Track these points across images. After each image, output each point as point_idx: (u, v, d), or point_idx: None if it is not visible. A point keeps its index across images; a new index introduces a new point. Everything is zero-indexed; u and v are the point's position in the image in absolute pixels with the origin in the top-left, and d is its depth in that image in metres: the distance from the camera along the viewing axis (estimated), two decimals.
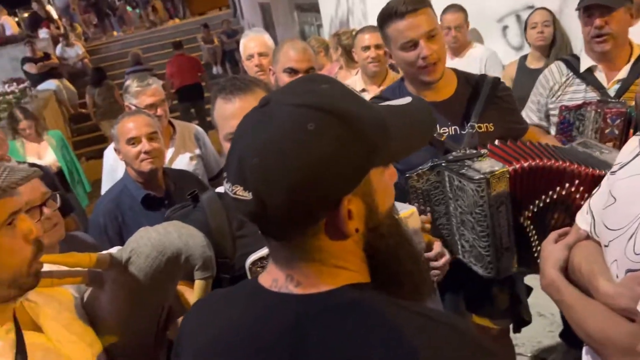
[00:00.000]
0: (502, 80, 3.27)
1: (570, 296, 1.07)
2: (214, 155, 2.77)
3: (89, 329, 1.16)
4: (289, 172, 0.65)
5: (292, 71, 2.16)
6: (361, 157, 0.67)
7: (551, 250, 1.17)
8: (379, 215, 0.73)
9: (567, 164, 1.54)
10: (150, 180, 2.15)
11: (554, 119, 2.19)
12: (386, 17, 1.70)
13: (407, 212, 1.39)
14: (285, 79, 2.16)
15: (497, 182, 1.51)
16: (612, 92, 2.04)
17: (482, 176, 1.50)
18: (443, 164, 1.62)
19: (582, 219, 1.22)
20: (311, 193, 0.66)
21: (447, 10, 3.51)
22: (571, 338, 2.41)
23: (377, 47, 2.89)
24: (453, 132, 1.74)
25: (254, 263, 1.33)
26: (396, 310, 0.69)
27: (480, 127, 1.74)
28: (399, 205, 1.38)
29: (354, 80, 3.11)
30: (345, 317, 0.68)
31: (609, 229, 1.09)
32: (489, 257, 1.61)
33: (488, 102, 1.75)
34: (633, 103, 1.90)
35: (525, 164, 1.54)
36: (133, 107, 2.53)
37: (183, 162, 2.62)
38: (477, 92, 1.77)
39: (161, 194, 2.17)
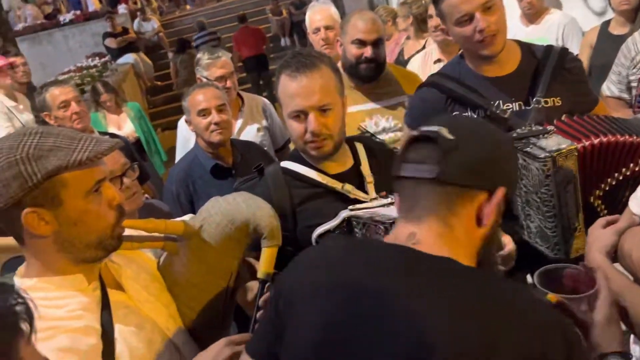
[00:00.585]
0: (581, 47, 3.09)
1: (618, 282, 1.04)
2: (280, 127, 2.83)
3: (164, 291, 1.26)
4: (492, 146, 0.88)
5: (360, 42, 2.14)
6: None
7: (598, 235, 1.14)
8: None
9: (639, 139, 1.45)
10: (219, 150, 2.24)
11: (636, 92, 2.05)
12: None
13: None
14: (353, 50, 2.15)
15: (564, 160, 1.44)
16: None
17: (547, 154, 1.43)
18: None
19: (636, 204, 1.18)
20: (495, 170, 0.87)
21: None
22: None
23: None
24: (517, 108, 1.67)
25: (320, 235, 1.38)
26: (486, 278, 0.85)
27: (546, 102, 1.66)
28: None
29: (429, 51, 3.03)
30: (444, 280, 0.80)
31: None
32: (555, 238, 1.54)
33: (555, 74, 1.67)
34: None
35: (595, 141, 1.46)
36: (204, 79, 2.62)
37: (251, 133, 2.69)
38: (542, 64, 1.68)
39: (229, 164, 2.26)
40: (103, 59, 8.80)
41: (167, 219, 1.27)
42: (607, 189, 1.53)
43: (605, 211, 1.56)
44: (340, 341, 0.81)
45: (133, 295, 1.15)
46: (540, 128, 1.53)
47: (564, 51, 1.72)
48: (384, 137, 2.19)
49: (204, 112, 2.18)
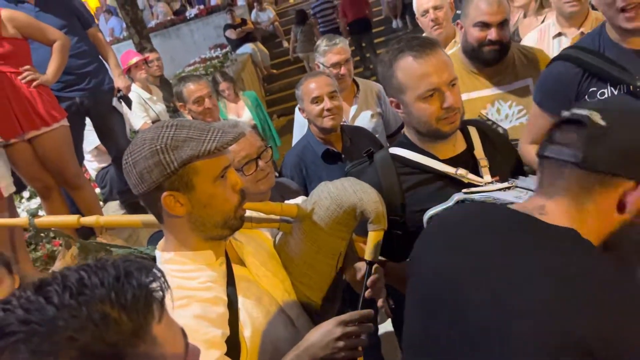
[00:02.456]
0: None
1: None
2: (394, 113, 2.83)
3: (280, 267, 1.37)
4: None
5: (484, 25, 1.99)
6: None
7: None
8: None
9: None
10: (330, 136, 2.34)
11: None
12: None
13: None
14: (475, 33, 2.02)
15: None
16: None
17: None
18: None
19: None
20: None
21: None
22: None
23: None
24: None
25: (431, 217, 1.38)
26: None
27: None
28: None
29: (545, 27, 2.82)
30: (573, 252, 0.81)
31: None
32: None
33: None
34: None
35: None
36: (321, 66, 2.72)
37: (365, 119, 2.74)
38: None
39: (339, 149, 2.35)
40: (224, 50, 9.32)
41: (295, 197, 1.35)
42: None
43: None
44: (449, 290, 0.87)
45: (253, 270, 1.26)
46: None
47: None
48: (507, 125, 2.08)
49: (317, 100, 2.27)
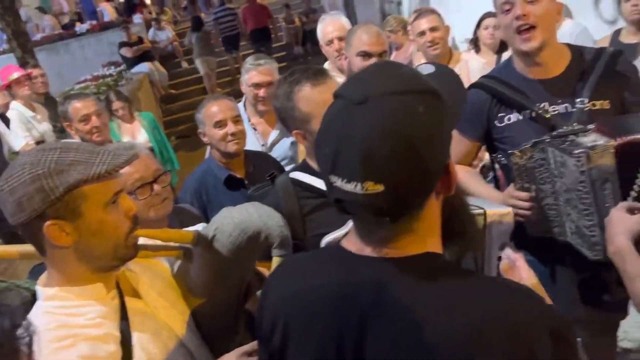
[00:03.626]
0: None
1: (633, 267, 1.06)
2: None
3: (179, 298, 1.29)
4: (417, 153, 0.72)
5: (365, 54, 2.18)
6: (452, 125, 0.81)
7: (624, 219, 1.15)
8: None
9: None
10: (233, 161, 2.29)
11: None
12: None
13: (504, 210, 1.34)
14: (358, 63, 2.19)
15: (599, 156, 1.42)
16: None
17: (582, 150, 1.44)
18: (547, 140, 1.56)
19: None
20: (435, 164, 0.76)
21: None
22: None
23: (433, 29, 2.85)
24: (564, 110, 1.65)
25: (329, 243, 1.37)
26: (466, 275, 0.82)
27: (594, 105, 1.63)
28: (496, 205, 1.38)
29: (421, 67, 3.05)
30: (425, 280, 0.77)
31: None
32: (594, 237, 1.51)
33: (603, 77, 1.63)
34: None
35: (632, 137, 1.43)
36: (243, 85, 2.67)
37: (284, 146, 2.69)
38: (591, 66, 1.65)
39: (242, 174, 2.30)
40: (119, 68, 8.93)
41: (198, 223, 1.30)
42: None
43: None
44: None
45: (150, 302, 1.18)
46: (580, 127, 1.53)
47: (617, 53, 1.69)
48: None
49: (220, 124, 2.22)
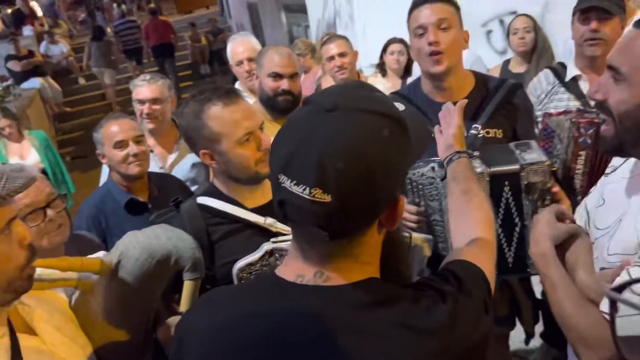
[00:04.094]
0: None
1: (556, 274, 1.10)
2: None
3: (80, 331, 1.18)
4: (372, 175, 0.72)
5: (277, 75, 2.18)
6: (411, 159, 0.82)
7: (552, 223, 1.18)
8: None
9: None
10: (135, 184, 2.16)
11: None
12: (410, 10, 1.75)
13: (423, 237, 1.39)
14: (270, 83, 2.19)
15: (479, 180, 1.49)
16: (593, 101, 2.06)
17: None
18: (437, 160, 1.62)
19: (579, 215, 1.29)
20: (385, 193, 0.75)
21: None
22: (550, 338, 2.48)
23: (342, 55, 2.95)
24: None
25: (241, 269, 1.34)
26: (412, 294, 0.80)
27: (488, 132, 1.73)
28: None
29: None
30: (372, 307, 0.76)
31: (597, 228, 1.17)
32: (441, 244, 1.62)
33: (500, 107, 1.74)
34: None
35: (502, 168, 1.55)
36: (134, 98, 2.54)
37: (183, 169, 2.55)
38: (491, 95, 1.76)
39: (145, 198, 2.17)
40: (5, 83, 8.23)
41: (98, 251, 1.21)
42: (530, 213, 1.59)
43: (527, 231, 1.63)
44: None
45: (46, 339, 1.07)
46: (468, 152, 1.58)
47: (516, 86, 1.80)
48: None
49: (121, 144, 2.09)
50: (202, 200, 1.51)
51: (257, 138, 1.45)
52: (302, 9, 6.62)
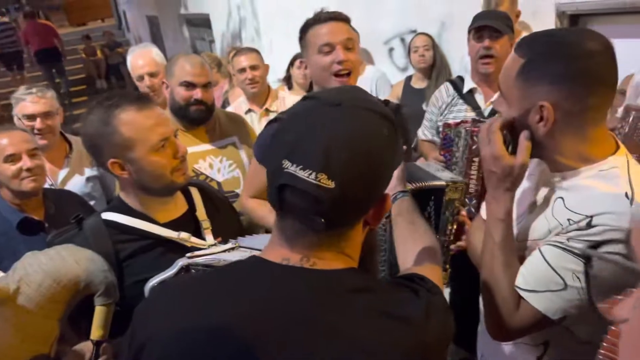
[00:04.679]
0: (390, 98, 3.50)
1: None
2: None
3: None
4: (372, 169, 0.77)
5: (189, 85, 2.10)
6: (398, 161, 0.85)
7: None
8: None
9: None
10: (29, 201, 1.98)
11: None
12: (308, 24, 1.74)
13: None
14: (182, 92, 2.10)
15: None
16: (487, 113, 2.25)
17: None
18: None
19: (484, 212, 1.37)
20: (380, 188, 0.81)
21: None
22: (460, 340, 2.61)
23: (253, 68, 2.94)
24: None
25: (154, 288, 1.25)
26: (389, 287, 0.86)
27: None
28: None
29: (240, 102, 3.10)
30: (354, 292, 0.79)
31: None
32: (383, 272, 1.66)
33: None
34: None
35: (422, 184, 1.59)
36: (15, 118, 2.34)
37: (77, 184, 2.40)
38: None
39: (40, 217, 2.00)
40: None
41: None
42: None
43: None
44: None
45: None
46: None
47: (399, 107, 1.93)
48: (220, 178, 2.18)
49: (12, 158, 1.91)
50: (108, 216, 1.40)
51: (173, 145, 1.37)
52: (206, 23, 6.52)
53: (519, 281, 1.08)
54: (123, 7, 12.65)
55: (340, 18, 1.71)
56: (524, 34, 3.05)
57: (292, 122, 0.80)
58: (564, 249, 1.04)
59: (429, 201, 1.61)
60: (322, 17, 1.70)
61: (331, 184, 0.74)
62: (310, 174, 0.74)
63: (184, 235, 1.40)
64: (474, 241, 1.37)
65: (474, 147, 1.93)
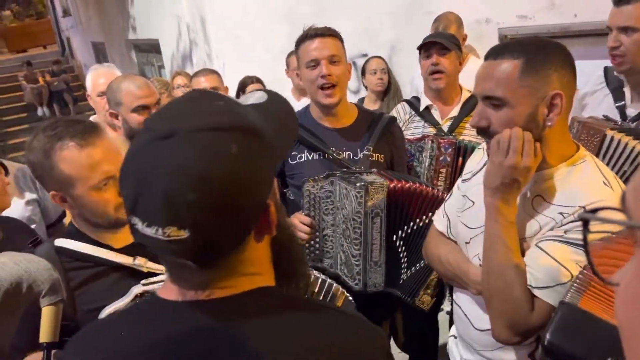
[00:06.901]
0: None
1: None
2: None
3: None
4: (230, 198, 0.65)
5: (143, 108, 2.04)
6: (273, 161, 0.74)
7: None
8: (280, 209, 0.78)
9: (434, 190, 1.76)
10: None
11: None
12: (300, 40, 1.87)
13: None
14: (137, 117, 2.03)
15: (376, 191, 1.67)
16: (445, 128, 2.31)
17: (363, 184, 1.67)
18: (338, 174, 1.78)
19: (439, 222, 1.45)
20: (249, 209, 0.68)
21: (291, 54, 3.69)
22: (408, 347, 2.62)
23: (213, 89, 2.90)
24: (347, 157, 1.89)
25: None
26: (300, 305, 0.78)
27: (372, 156, 1.89)
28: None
29: None
30: (261, 316, 0.71)
31: (469, 227, 1.31)
32: (357, 267, 1.72)
33: (382, 135, 1.92)
34: (461, 137, 2.18)
35: (405, 184, 1.72)
36: None
37: (17, 208, 2.26)
38: (375, 124, 1.95)
39: None
40: None
41: None
42: (408, 231, 1.77)
43: (405, 253, 1.77)
44: None
45: None
46: (367, 169, 1.80)
47: (393, 119, 2.03)
48: None
49: None
50: (61, 242, 1.34)
51: (116, 182, 1.29)
52: (155, 49, 6.44)
53: (530, 280, 1.11)
54: (67, 33, 12.35)
55: (327, 34, 1.84)
56: (471, 56, 3.20)
57: (128, 170, 0.68)
58: (563, 241, 1.09)
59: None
60: (309, 34, 1.85)
61: (184, 234, 0.63)
62: (157, 231, 0.64)
63: (139, 260, 1.33)
64: (442, 253, 1.41)
65: (440, 158, 2.07)
